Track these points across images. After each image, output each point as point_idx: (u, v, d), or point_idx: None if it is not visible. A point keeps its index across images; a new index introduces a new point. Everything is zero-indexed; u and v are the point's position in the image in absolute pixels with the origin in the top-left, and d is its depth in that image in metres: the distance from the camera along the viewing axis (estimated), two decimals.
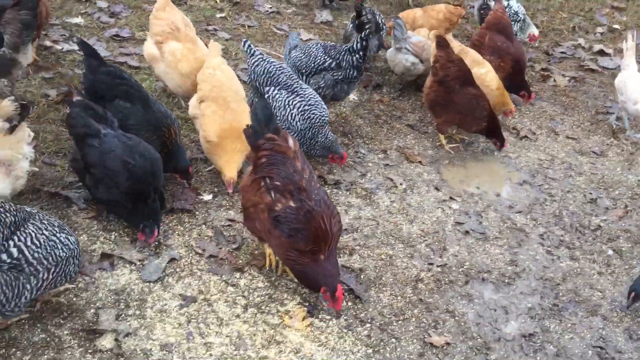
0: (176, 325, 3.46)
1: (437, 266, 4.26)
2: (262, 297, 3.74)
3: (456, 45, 5.64)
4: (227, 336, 3.46)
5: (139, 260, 3.79)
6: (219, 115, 4.35)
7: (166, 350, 3.31)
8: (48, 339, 3.24)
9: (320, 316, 3.69)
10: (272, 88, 4.66)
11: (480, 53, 5.87)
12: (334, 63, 5.19)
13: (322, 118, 4.66)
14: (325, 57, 5.22)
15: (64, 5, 6.40)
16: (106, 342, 3.28)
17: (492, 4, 6.73)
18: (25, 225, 3.03)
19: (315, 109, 4.64)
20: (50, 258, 3.08)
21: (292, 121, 4.59)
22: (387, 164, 5.18)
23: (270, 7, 7.23)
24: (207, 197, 4.39)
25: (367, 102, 5.95)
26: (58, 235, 3.14)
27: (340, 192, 4.75)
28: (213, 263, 3.89)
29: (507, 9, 6.72)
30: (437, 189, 5.03)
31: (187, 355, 3.31)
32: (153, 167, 3.84)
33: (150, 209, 3.78)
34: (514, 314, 4.02)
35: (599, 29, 8.35)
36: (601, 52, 7.74)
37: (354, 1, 7.04)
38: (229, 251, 3.99)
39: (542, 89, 6.81)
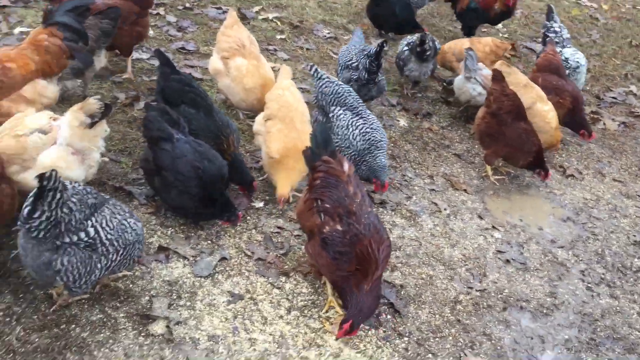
0: (223, 320, 3.63)
1: (477, 290, 4.34)
2: (305, 302, 3.88)
3: (523, 80, 5.79)
4: (270, 334, 3.61)
5: (192, 256, 3.99)
6: (284, 133, 4.51)
7: (213, 341, 3.48)
8: (105, 320, 3.45)
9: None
10: (338, 108, 4.86)
11: None
12: (355, 63, 5.59)
13: (381, 142, 4.80)
14: (353, 56, 5.63)
15: None
16: (158, 327, 3.47)
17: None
18: (102, 209, 3.27)
19: (375, 133, 4.78)
20: (120, 241, 3.31)
21: (352, 141, 4.75)
22: (433, 189, 5.31)
23: (329, 33, 7.51)
24: (259, 204, 4.58)
25: (416, 129, 6.11)
26: (128, 220, 3.37)
27: (385, 212, 4.89)
28: (261, 265, 4.06)
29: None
30: (480, 217, 5.13)
31: (233, 348, 3.47)
32: (220, 172, 4.06)
33: (222, 203, 4.06)
34: (551, 344, 4.07)
35: None
36: None
37: (415, 32, 7.24)
38: (276, 256, 4.16)
39: None
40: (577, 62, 6.68)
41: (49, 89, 4.36)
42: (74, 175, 3.69)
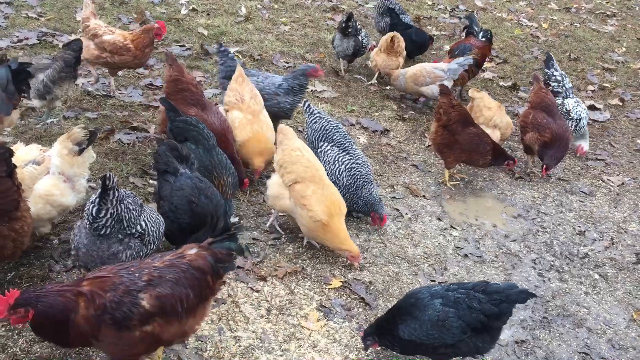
0: (209, 322, 3.95)
1: (439, 283, 4.75)
2: (283, 302, 4.23)
3: (494, 103, 6.59)
4: (253, 332, 3.95)
5: None
6: (320, 193, 4.51)
7: (201, 341, 3.80)
8: None
9: (334, 319, 4.18)
10: (326, 144, 5.08)
11: (525, 131, 6.48)
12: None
13: (367, 176, 5.03)
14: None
15: None
16: None
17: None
18: (144, 208, 3.83)
19: (361, 168, 5.01)
20: (157, 233, 3.83)
21: (338, 176, 4.97)
22: (394, 197, 5.75)
23: (287, 62, 8.01)
24: (234, 219, 4.93)
25: (376, 145, 6.57)
26: (159, 217, 3.94)
27: (352, 219, 5.29)
28: (240, 272, 4.41)
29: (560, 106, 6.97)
30: (439, 219, 5.58)
31: (220, 346, 3.79)
32: (216, 209, 4.16)
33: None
34: (508, 324, 4.46)
35: (590, 87, 9.07)
36: (592, 107, 8.40)
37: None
38: (253, 263, 4.51)
39: None
40: (579, 114, 6.92)
41: None
42: (67, 201, 4.00)
